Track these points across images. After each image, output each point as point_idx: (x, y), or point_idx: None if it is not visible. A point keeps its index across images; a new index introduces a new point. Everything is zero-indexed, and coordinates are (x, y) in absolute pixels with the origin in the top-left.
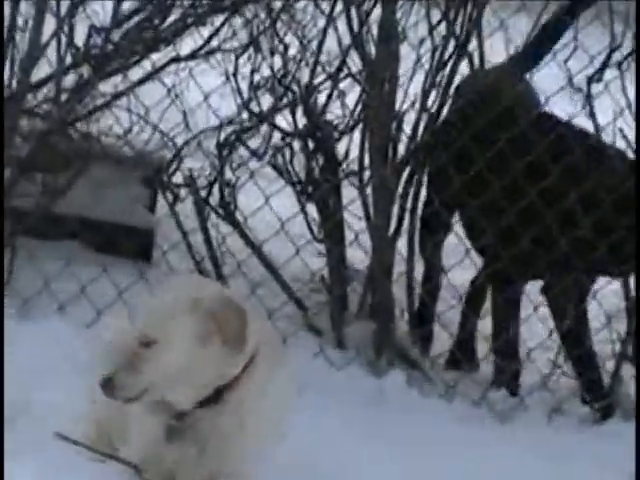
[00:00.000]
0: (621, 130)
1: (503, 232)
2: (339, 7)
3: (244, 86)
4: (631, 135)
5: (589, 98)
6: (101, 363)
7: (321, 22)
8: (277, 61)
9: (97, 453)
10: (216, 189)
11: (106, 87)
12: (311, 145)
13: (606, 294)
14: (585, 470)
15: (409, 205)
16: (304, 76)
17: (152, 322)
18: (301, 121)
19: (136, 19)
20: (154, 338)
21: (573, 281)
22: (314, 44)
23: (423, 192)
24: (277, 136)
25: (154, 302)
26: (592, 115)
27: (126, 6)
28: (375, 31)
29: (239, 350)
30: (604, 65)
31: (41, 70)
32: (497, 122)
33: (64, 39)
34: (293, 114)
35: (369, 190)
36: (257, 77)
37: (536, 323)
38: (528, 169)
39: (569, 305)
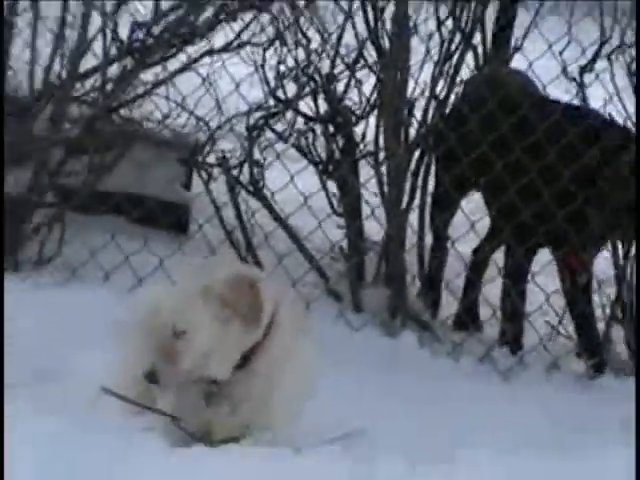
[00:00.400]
0: (610, 115)
1: (509, 206)
2: (356, 4)
3: (271, 76)
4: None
5: (582, 86)
6: (137, 331)
7: (340, 18)
8: (300, 53)
9: (139, 406)
10: (246, 168)
11: (147, 76)
12: (331, 129)
13: (598, 262)
14: (581, 420)
15: (420, 183)
16: (325, 66)
17: (178, 314)
18: (322, 107)
19: (174, 16)
20: (182, 329)
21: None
22: (334, 38)
23: (432, 171)
24: (300, 121)
25: (176, 293)
26: (584, 101)
27: (165, 4)
28: (389, 26)
29: (256, 322)
30: (595, 56)
31: (88, 62)
32: (505, 105)
33: (109, 34)
34: (315, 101)
35: (384, 169)
36: (282, 67)
37: (534, 290)
38: (532, 148)
39: (579, 271)
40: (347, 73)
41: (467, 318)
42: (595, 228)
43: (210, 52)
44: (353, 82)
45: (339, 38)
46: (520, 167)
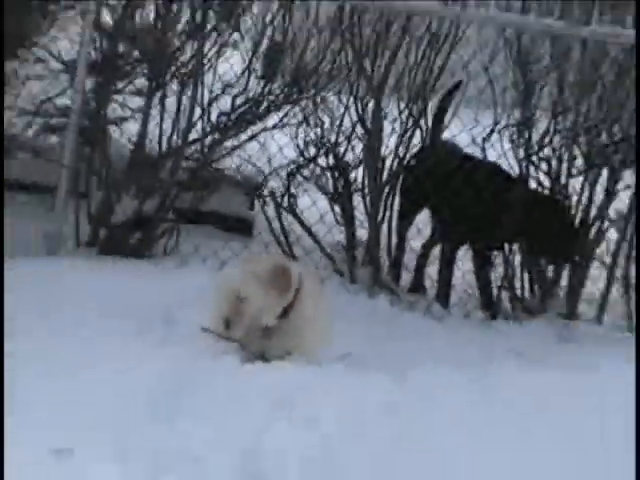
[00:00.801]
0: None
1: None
2: (351, 100)
3: (301, 143)
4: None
5: (483, 149)
6: (218, 295)
7: (342, 108)
8: (318, 130)
9: (221, 338)
10: (286, 198)
11: (227, 144)
12: (336, 174)
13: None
14: (483, 348)
15: (389, 205)
16: (332, 138)
17: (242, 287)
18: (331, 161)
19: (243, 108)
20: (245, 296)
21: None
22: (338, 120)
23: (397, 198)
24: (318, 169)
25: (241, 273)
26: (484, 157)
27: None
28: (370, 114)
29: (287, 291)
30: (491, 132)
31: (193, 135)
32: (440, 161)
33: (206, 119)
34: (327, 158)
35: (368, 198)
36: (307, 138)
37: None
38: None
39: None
40: (345, 142)
41: (418, 286)
42: (491, 235)
43: (264, 129)
44: (350, 147)
45: (341, 120)
46: (450, 195)
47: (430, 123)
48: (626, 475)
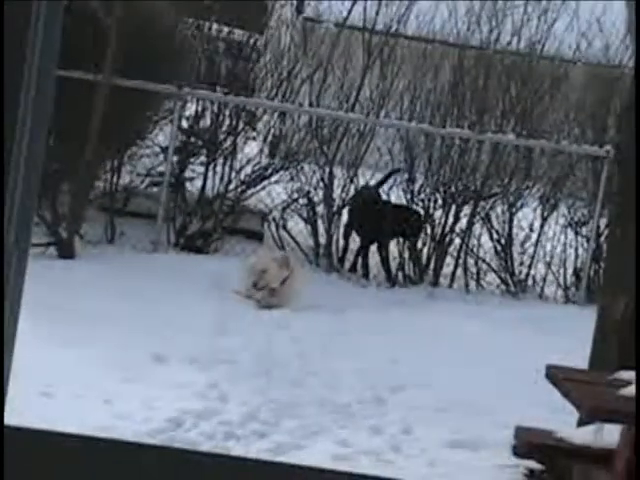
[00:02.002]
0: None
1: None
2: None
3: (289, 190)
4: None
5: (387, 194)
6: (247, 270)
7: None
8: (298, 184)
9: (245, 296)
10: (281, 221)
11: (249, 191)
12: (309, 208)
13: None
14: (395, 315)
15: (337, 224)
16: (306, 188)
17: (266, 264)
18: (306, 201)
19: (258, 172)
20: (266, 269)
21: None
22: (309, 179)
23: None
24: (299, 205)
25: (263, 256)
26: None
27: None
28: (327, 175)
29: (287, 268)
30: (392, 185)
31: (230, 186)
32: (367, 203)
33: (237, 177)
34: (304, 199)
35: (326, 220)
36: (293, 188)
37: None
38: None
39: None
40: (313, 190)
41: (353, 268)
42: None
43: (270, 183)
44: (316, 193)
45: (311, 178)
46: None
47: (372, 183)
48: None
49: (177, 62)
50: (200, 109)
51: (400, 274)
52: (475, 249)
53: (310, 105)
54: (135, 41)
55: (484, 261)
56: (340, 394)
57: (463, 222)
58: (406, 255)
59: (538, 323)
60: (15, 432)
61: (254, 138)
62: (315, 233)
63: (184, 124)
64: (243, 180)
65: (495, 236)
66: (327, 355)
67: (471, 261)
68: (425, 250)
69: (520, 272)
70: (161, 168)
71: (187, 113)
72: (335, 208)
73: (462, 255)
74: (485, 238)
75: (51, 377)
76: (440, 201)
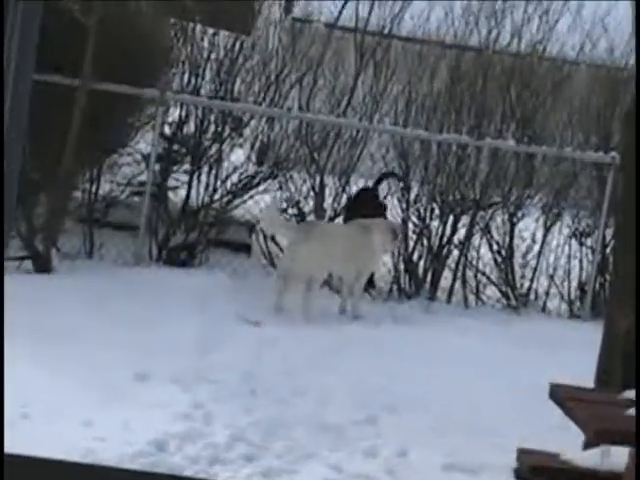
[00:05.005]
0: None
1: None
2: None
3: (278, 200)
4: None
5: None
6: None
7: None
8: (287, 193)
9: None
10: None
11: (236, 201)
12: (298, 219)
13: None
14: (390, 330)
15: None
16: (296, 197)
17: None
18: (295, 211)
19: (245, 180)
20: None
21: None
22: (299, 188)
23: None
24: (288, 216)
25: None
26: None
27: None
28: (318, 184)
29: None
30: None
31: (216, 195)
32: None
33: (224, 187)
34: (293, 209)
35: None
36: (282, 198)
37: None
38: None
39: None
40: (303, 200)
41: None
42: None
43: (257, 192)
44: (306, 203)
45: (300, 188)
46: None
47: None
48: None
49: (160, 65)
50: (184, 114)
51: (395, 287)
52: (474, 261)
53: (300, 110)
54: (116, 43)
55: (483, 274)
56: (332, 414)
57: (461, 233)
58: (401, 267)
59: (541, 339)
60: None
61: (241, 145)
62: None
63: (167, 130)
64: (229, 189)
65: (495, 247)
66: (317, 372)
67: (470, 274)
68: (422, 262)
69: (522, 285)
70: (143, 177)
71: (170, 119)
72: (327, 218)
73: (460, 267)
74: (485, 249)
75: (27, 397)
76: (437, 211)
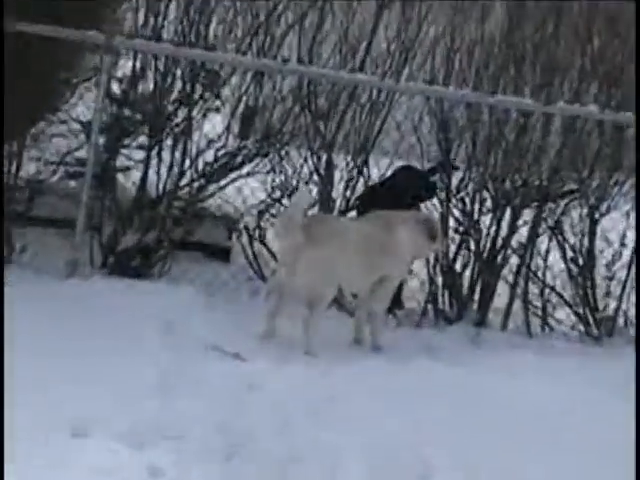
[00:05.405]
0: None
1: None
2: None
3: (269, 187)
4: None
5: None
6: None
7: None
8: (282, 177)
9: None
10: (257, 230)
11: (210, 187)
12: None
13: None
14: (421, 368)
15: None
16: (293, 183)
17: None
18: None
19: (223, 159)
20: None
21: None
22: (298, 170)
23: None
24: (282, 209)
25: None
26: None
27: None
28: (323, 165)
29: None
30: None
31: (184, 181)
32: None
33: (193, 168)
34: (289, 199)
35: None
36: (274, 183)
37: None
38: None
39: None
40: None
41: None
42: None
43: (240, 176)
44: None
45: (300, 170)
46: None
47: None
48: None
49: (107, 2)
50: (139, 67)
51: (430, 308)
52: (540, 272)
53: (299, 62)
54: None
55: (553, 289)
56: None
57: (522, 233)
58: (439, 280)
59: (632, 383)
60: None
61: (218, 110)
62: None
63: (115, 89)
64: (202, 171)
65: (570, 254)
66: (319, 427)
67: (535, 290)
68: (467, 273)
69: (606, 306)
70: (81, 153)
71: (120, 73)
72: (336, 212)
73: (521, 281)
74: (555, 256)
75: None
76: (489, 202)
